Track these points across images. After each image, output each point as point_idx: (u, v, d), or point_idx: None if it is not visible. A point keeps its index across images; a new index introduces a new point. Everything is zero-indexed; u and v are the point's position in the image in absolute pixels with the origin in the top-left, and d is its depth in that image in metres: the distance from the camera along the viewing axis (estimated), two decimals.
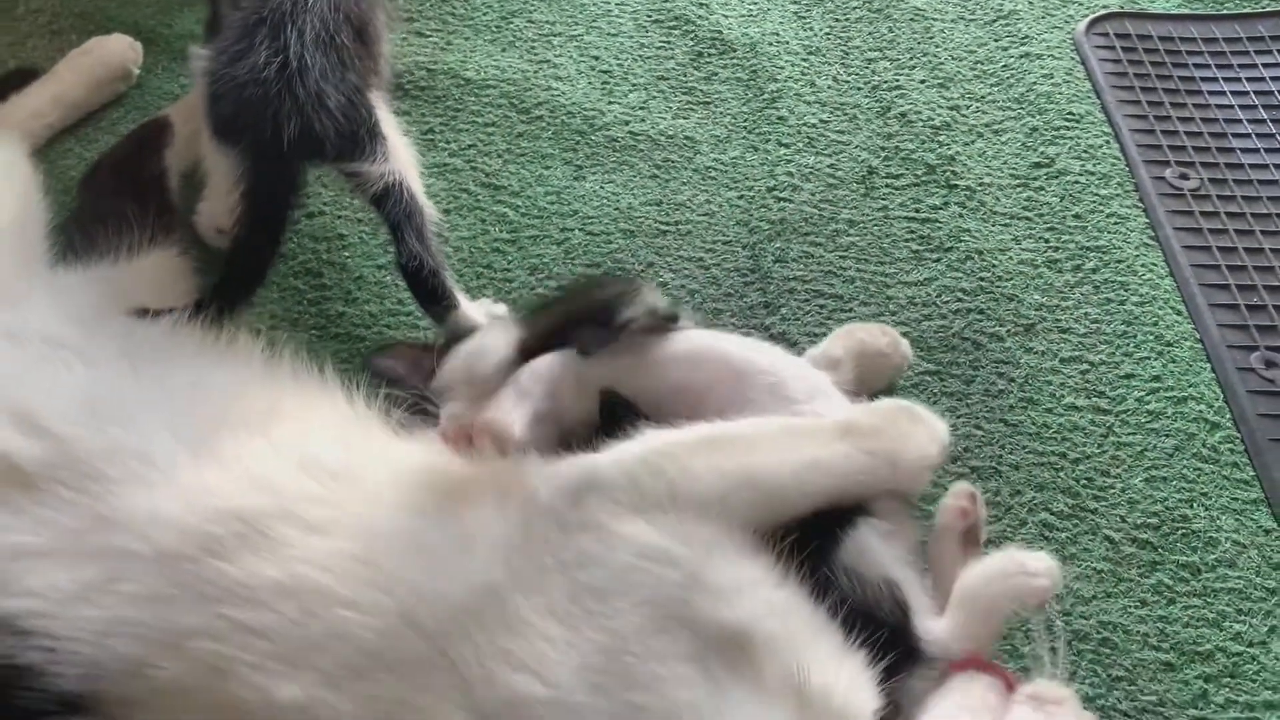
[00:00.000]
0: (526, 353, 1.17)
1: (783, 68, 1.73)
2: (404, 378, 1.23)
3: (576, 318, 1.17)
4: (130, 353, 1.07)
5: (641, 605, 0.88)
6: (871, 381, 1.27)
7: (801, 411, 1.10)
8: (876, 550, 1.01)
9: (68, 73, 1.58)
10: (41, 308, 1.11)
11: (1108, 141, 1.66)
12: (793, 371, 1.15)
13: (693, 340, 1.17)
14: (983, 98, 1.71)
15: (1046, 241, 1.52)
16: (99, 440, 0.95)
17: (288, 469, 0.96)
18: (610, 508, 0.94)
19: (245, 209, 1.27)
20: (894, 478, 1.05)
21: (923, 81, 1.73)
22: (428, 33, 1.75)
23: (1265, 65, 1.77)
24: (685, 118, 1.66)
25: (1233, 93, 1.73)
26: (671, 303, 1.21)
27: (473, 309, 1.31)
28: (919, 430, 1.08)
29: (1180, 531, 1.24)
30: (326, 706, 0.84)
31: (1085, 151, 1.64)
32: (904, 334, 1.33)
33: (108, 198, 1.43)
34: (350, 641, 0.87)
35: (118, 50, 1.62)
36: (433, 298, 1.28)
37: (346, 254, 1.47)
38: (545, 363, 1.16)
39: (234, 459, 0.97)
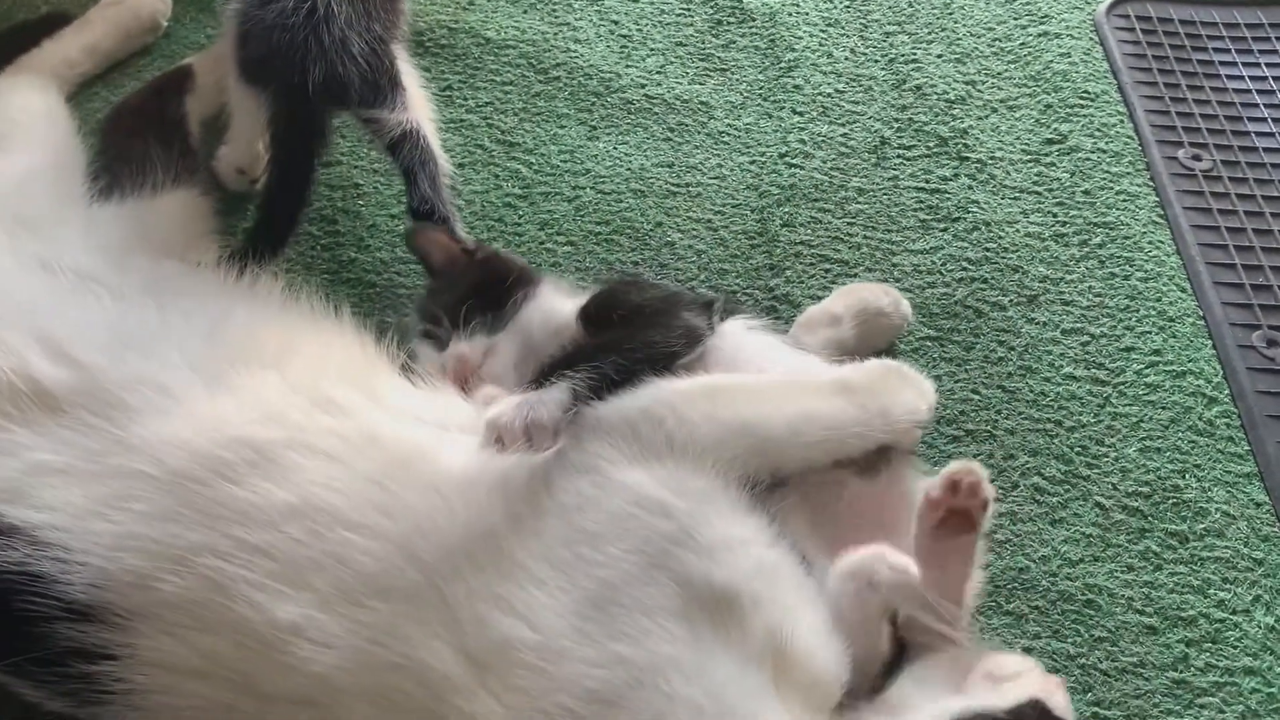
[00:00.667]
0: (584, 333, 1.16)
1: (800, 38, 1.74)
2: (435, 268, 1.26)
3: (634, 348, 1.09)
4: (155, 289, 1.11)
5: (633, 554, 0.90)
6: (872, 341, 1.29)
7: None
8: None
9: (100, 22, 1.62)
10: (75, 242, 1.15)
11: (1121, 121, 1.66)
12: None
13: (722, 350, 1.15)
14: (999, 74, 1.72)
15: (1054, 216, 1.53)
16: (121, 370, 1.00)
17: (301, 404, 1.00)
18: (609, 453, 0.96)
19: (275, 154, 1.31)
20: (885, 431, 1.07)
21: (939, 56, 1.74)
22: None
23: None
24: (701, 83, 1.68)
25: (1251, 77, 1.73)
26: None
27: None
28: (908, 388, 1.10)
29: (1171, 501, 1.25)
30: (319, 629, 0.87)
31: (1099, 130, 1.64)
32: (907, 300, 1.35)
33: (131, 138, 1.45)
34: (349, 565, 0.90)
35: (149, 2, 1.65)
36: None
37: (361, 202, 1.50)
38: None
39: (249, 392, 1.00)
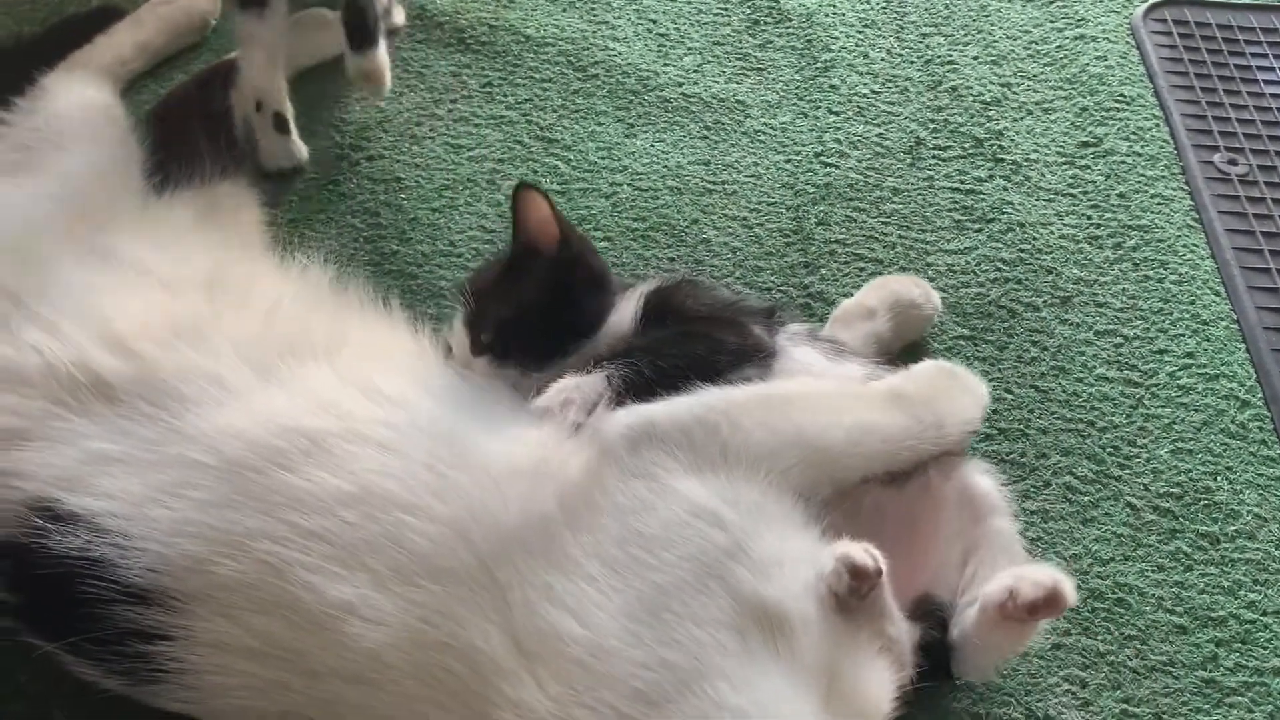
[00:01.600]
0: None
1: (837, 38, 1.76)
2: (522, 235, 1.16)
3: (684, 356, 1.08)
4: (209, 283, 1.13)
5: (687, 561, 0.91)
6: (904, 333, 1.31)
7: None
8: None
9: (152, 20, 1.65)
10: (131, 235, 1.18)
11: (1158, 125, 1.67)
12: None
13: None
14: (1035, 76, 1.73)
15: (1089, 218, 1.54)
16: (176, 361, 1.03)
17: (353, 396, 1.02)
18: (665, 461, 0.97)
19: None
20: (940, 441, 1.08)
21: (976, 58, 1.75)
22: None
23: None
24: (738, 82, 1.69)
25: None
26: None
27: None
28: (963, 393, 1.11)
29: (1203, 503, 1.26)
30: (372, 607, 0.90)
31: (1134, 133, 1.65)
32: (941, 299, 1.36)
33: (178, 132, 1.49)
34: (404, 545, 0.91)
35: (199, 2, 1.69)
36: (361, 38, 1.48)
37: (403, 196, 1.52)
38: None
39: (301, 384, 1.03)
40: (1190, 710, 1.10)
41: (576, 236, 1.19)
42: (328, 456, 0.95)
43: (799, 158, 1.59)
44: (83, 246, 1.13)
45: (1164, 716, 1.10)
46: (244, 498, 0.94)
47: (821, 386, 1.10)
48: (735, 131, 1.63)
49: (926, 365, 1.14)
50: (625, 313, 1.14)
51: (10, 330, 1.04)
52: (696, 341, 1.09)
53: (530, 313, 1.13)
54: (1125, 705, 1.10)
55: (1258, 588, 1.19)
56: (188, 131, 1.47)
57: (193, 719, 0.98)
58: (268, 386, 1.02)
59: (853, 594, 0.92)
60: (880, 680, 0.94)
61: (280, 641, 0.90)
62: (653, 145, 1.60)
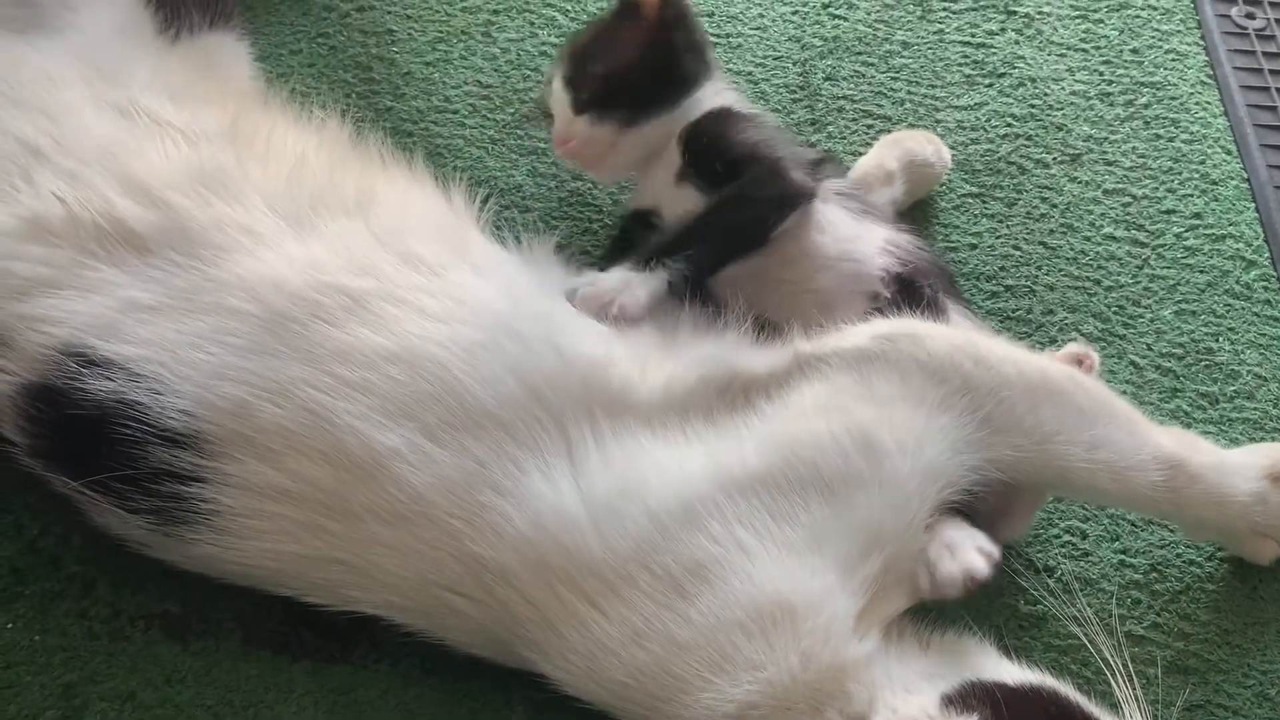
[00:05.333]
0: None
1: None
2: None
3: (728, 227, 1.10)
4: (231, 135, 1.10)
5: (807, 466, 0.91)
6: (915, 191, 1.29)
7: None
8: None
9: None
10: (146, 88, 1.14)
11: None
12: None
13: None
14: None
15: (1101, 74, 1.50)
16: (207, 212, 1.01)
17: (390, 260, 1.00)
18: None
19: None
20: (1171, 518, 1.09)
21: None
22: None
23: None
24: None
25: None
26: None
27: None
28: (1239, 495, 1.03)
29: (1204, 363, 1.26)
30: (420, 453, 0.90)
31: None
32: (951, 156, 1.34)
33: None
34: (463, 403, 0.92)
35: None
36: None
37: (395, 49, 1.47)
38: None
39: (337, 239, 1.01)
40: (1184, 562, 1.13)
41: (683, 9, 1.16)
42: (369, 315, 0.95)
43: (806, 9, 1.54)
44: (102, 101, 1.09)
45: (1159, 568, 1.12)
46: (286, 347, 0.93)
47: (1110, 404, 1.03)
48: None
49: (1246, 453, 1.07)
50: (705, 100, 1.16)
51: (33, 182, 1.02)
52: (741, 208, 1.08)
53: (630, 70, 1.13)
54: (1123, 556, 1.13)
55: None
56: None
57: (199, 573, 1.00)
58: (303, 238, 1.01)
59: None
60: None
61: (319, 484, 0.91)
62: None
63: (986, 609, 1.07)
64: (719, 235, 1.07)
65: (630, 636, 0.86)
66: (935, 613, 0.99)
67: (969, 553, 0.94)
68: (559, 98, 1.16)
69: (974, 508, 0.99)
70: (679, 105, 1.15)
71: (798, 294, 1.09)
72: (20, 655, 1.02)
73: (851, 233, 1.11)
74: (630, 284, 1.03)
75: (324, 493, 0.91)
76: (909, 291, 1.09)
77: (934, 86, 1.47)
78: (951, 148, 1.36)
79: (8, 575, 1.05)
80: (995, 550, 0.96)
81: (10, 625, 1.03)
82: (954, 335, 1.01)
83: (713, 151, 1.12)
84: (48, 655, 1.02)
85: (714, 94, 1.18)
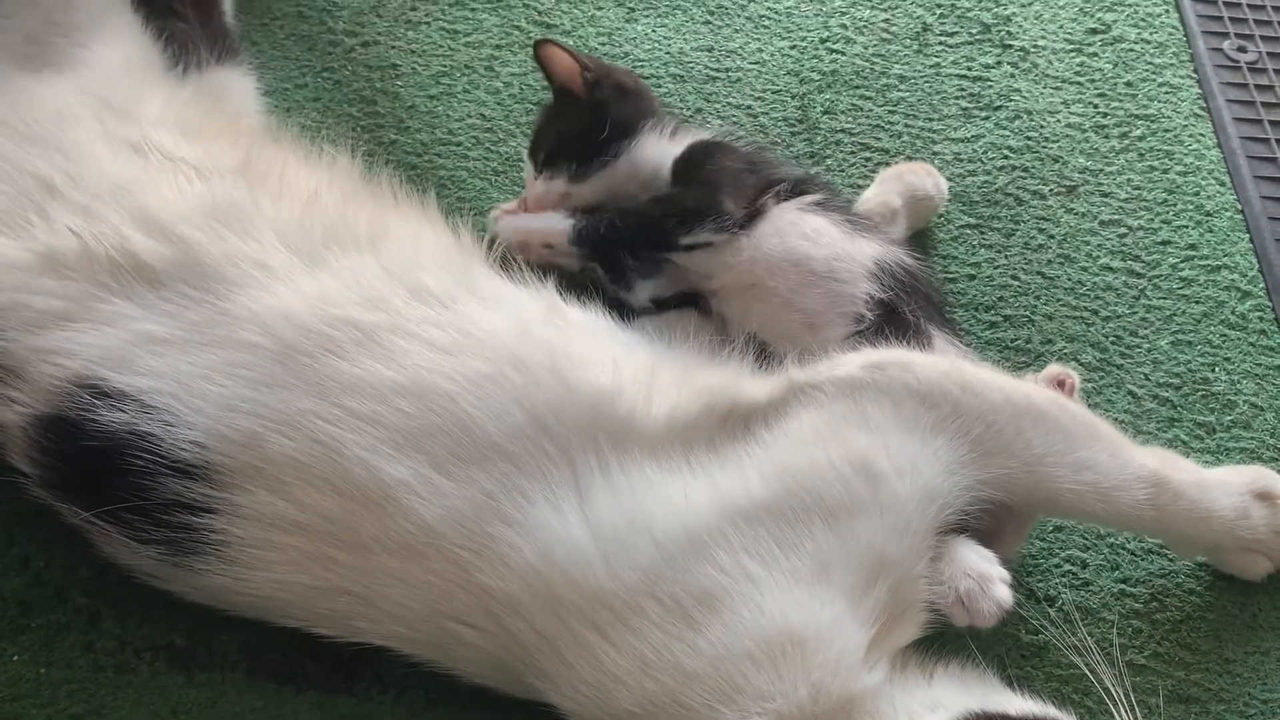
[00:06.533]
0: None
1: None
2: (555, 85, 1.29)
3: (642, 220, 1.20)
4: (243, 170, 1.12)
5: (804, 493, 0.92)
6: (913, 223, 1.30)
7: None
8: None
9: None
10: (157, 124, 1.15)
11: (1167, 11, 1.64)
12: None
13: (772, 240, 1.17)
14: None
15: (1096, 107, 1.52)
16: (220, 246, 1.02)
17: (399, 292, 1.01)
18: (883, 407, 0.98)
19: None
20: (1158, 535, 1.11)
21: None
22: None
23: None
24: None
25: None
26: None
27: None
28: (1222, 510, 1.05)
29: (1200, 393, 1.28)
30: (429, 485, 0.91)
31: (1143, 19, 1.62)
32: (948, 187, 1.35)
33: (166, 16, 1.44)
34: (471, 435, 0.93)
35: None
36: None
37: (400, 83, 1.49)
38: None
39: (348, 274, 1.02)
40: (1184, 591, 1.13)
41: (603, 71, 1.29)
42: (379, 349, 0.96)
43: (804, 44, 1.56)
44: (115, 137, 1.11)
45: (1160, 597, 1.13)
46: (297, 380, 0.95)
47: (1090, 425, 1.05)
48: (739, 16, 1.59)
49: (1223, 473, 1.09)
50: (652, 159, 1.24)
51: (48, 217, 1.04)
52: (660, 204, 1.19)
53: (572, 134, 1.26)
54: (1123, 585, 1.13)
55: None
56: (179, 17, 1.42)
57: (204, 605, 1.01)
58: (314, 272, 1.02)
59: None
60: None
61: (328, 515, 0.92)
62: (654, 30, 1.56)
63: (988, 639, 1.07)
64: (634, 222, 1.19)
65: (639, 666, 0.87)
66: (938, 643, 0.99)
67: (999, 587, 0.97)
68: (527, 170, 1.30)
69: (969, 528, 1.00)
70: (619, 156, 1.24)
71: (787, 312, 1.13)
72: (26, 688, 1.02)
73: (841, 249, 1.14)
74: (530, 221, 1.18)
75: (333, 524, 0.92)
76: (892, 317, 1.11)
77: (931, 119, 1.49)
78: (949, 179, 1.38)
79: (14, 608, 1.06)
80: (1008, 575, 0.98)
81: (16, 658, 1.03)
82: (941, 363, 1.03)
83: (688, 167, 1.22)
84: (54, 688, 1.02)
85: (658, 140, 1.26)
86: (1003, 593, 0.96)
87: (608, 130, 1.24)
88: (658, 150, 1.24)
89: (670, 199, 1.19)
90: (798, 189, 1.19)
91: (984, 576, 0.96)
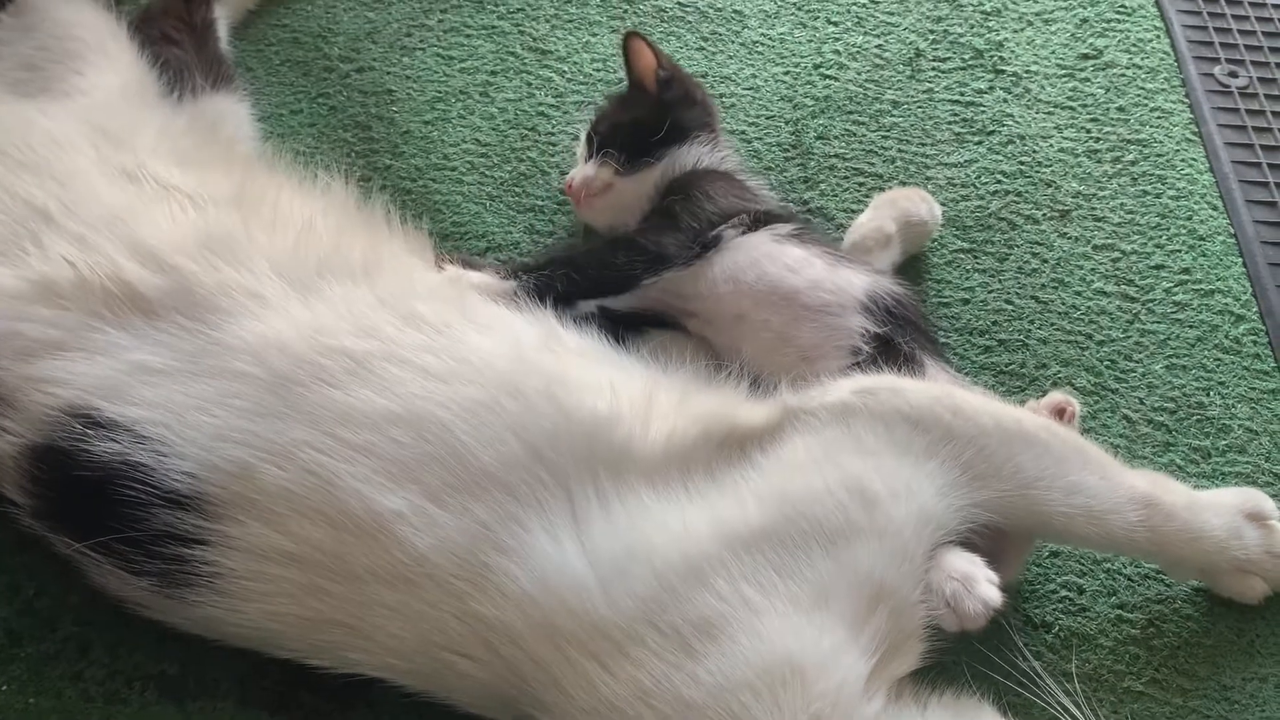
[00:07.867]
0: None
1: None
2: (632, 77, 1.32)
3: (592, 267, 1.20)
4: (237, 200, 1.12)
5: (801, 520, 0.92)
6: (907, 249, 1.30)
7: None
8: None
9: None
10: (152, 153, 1.16)
11: (1158, 36, 1.65)
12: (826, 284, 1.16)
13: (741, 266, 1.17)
14: None
15: (1088, 132, 1.53)
16: (213, 276, 1.02)
17: (393, 321, 1.01)
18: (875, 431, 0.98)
19: None
20: (1151, 557, 1.10)
21: None
22: None
23: None
24: None
25: None
26: None
27: None
28: (1213, 531, 1.05)
29: (1195, 417, 1.28)
30: (423, 515, 0.90)
31: (1135, 45, 1.63)
32: (941, 212, 1.36)
33: (162, 44, 1.44)
34: (466, 464, 0.92)
35: None
36: None
37: (394, 109, 1.49)
38: None
39: (341, 304, 1.02)
40: (1181, 618, 1.13)
41: (677, 75, 1.34)
42: (372, 377, 0.96)
43: (797, 70, 1.57)
44: (109, 165, 1.11)
45: (1156, 623, 1.12)
46: (290, 410, 0.94)
47: (1081, 449, 1.05)
48: (733, 43, 1.60)
49: (1215, 495, 1.09)
50: (691, 155, 1.28)
51: (42, 245, 1.04)
52: (612, 250, 1.20)
53: (633, 126, 1.29)
54: (1120, 611, 1.13)
55: None
56: (174, 44, 1.43)
57: (196, 634, 1.00)
58: (308, 301, 1.02)
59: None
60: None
61: (321, 546, 0.91)
62: None
63: (983, 665, 1.06)
64: (590, 269, 1.18)
65: (638, 696, 0.86)
66: (935, 671, 0.99)
67: (984, 586, 0.96)
68: (581, 149, 1.33)
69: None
70: (663, 160, 1.27)
71: (782, 345, 1.13)
72: (14, 718, 1.01)
73: (829, 282, 1.14)
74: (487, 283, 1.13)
75: (326, 555, 0.91)
76: (887, 348, 1.11)
77: (924, 144, 1.49)
78: (942, 204, 1.39)
79: (3, 637, 1.05)
80: (996, 576, 0.97)
81: (5, 688, 1.02)
82: (932, 388, 1.03)
83: (667, 194, 1.25)
84: (42, 718, 1.01)
85: (699, 154, 1.27)
86: (989, 591, 0.95)
87: (664, 132, 1.27)
88: (694, 160, 1.27)
89: (621, 242, 1.20)
90: (763, 219, 1.19)
91: (968, 577, 0.95)
